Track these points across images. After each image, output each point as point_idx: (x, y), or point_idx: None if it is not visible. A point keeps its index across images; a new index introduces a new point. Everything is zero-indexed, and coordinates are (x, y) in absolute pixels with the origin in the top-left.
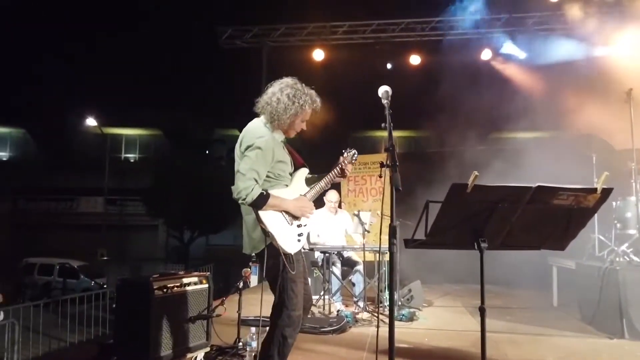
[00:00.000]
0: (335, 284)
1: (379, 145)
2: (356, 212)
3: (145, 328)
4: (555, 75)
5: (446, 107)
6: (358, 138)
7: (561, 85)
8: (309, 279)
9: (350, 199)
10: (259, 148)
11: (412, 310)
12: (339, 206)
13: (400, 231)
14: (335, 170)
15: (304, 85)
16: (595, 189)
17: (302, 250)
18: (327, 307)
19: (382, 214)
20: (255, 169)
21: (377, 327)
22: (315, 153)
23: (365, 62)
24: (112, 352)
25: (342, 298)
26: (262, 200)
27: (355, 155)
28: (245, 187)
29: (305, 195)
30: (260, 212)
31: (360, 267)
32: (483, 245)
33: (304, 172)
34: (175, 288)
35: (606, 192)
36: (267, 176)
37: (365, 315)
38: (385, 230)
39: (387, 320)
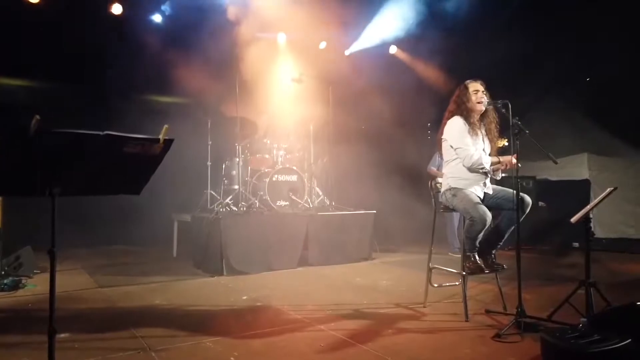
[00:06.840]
0: None
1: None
2: None
3: None
4: (162, 43)
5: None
6: None
7: (184, 53)
8: None
9: None
10: None
11: (18, 278)
12: None
13: None
14: None
15: None
16: (159, 139)
17: None
18: None
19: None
20: None
21: None
22: None
23: None
24: None
25: None
26: None
27: None
28: None
29: None
30: None
31: None
32: (55, 190)
33: None
34: None
35: (168, 142)
36: None
37: None
38: None
39: None
